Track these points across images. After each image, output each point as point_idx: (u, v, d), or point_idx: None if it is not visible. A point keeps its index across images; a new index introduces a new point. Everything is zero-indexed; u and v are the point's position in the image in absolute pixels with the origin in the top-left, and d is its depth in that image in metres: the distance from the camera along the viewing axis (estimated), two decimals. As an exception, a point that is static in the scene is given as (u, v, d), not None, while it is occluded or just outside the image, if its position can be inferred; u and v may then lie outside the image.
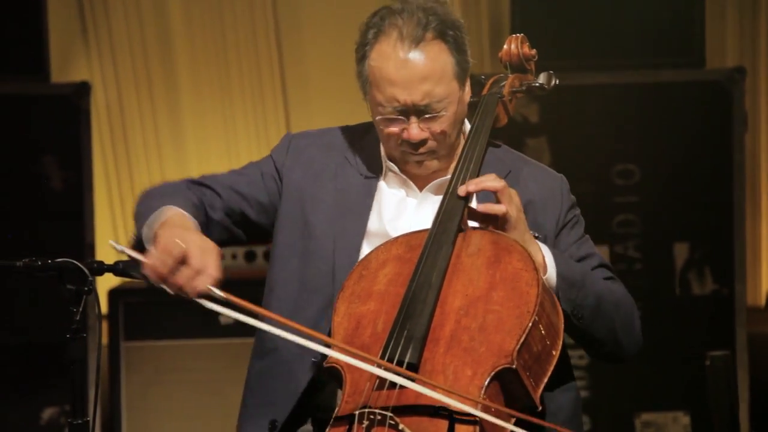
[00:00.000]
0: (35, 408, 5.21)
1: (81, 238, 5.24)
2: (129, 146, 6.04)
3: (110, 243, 2.49)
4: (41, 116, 5.26)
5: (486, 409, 2.39)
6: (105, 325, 5.21)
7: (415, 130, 2.68)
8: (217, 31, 6.06)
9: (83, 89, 5.27)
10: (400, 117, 2.68)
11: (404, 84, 2.65)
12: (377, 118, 2.71)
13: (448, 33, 2.69)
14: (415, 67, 2.65)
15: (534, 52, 2.90)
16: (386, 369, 2.42)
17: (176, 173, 6.09)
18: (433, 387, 2.39)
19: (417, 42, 2.66)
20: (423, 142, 2.71)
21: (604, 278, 2.79)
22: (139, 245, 2.62)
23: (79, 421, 2.58)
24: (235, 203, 2.80)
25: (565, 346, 2.61)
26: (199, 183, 2.81)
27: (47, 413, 5.23)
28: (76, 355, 2.61)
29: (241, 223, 2.82)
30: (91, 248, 5.25)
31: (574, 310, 2.64)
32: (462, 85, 2.73)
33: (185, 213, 2.64)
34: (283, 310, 2.69)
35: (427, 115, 2.68)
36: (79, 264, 2.71)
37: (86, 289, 2.69)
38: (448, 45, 2.69)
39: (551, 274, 2.63)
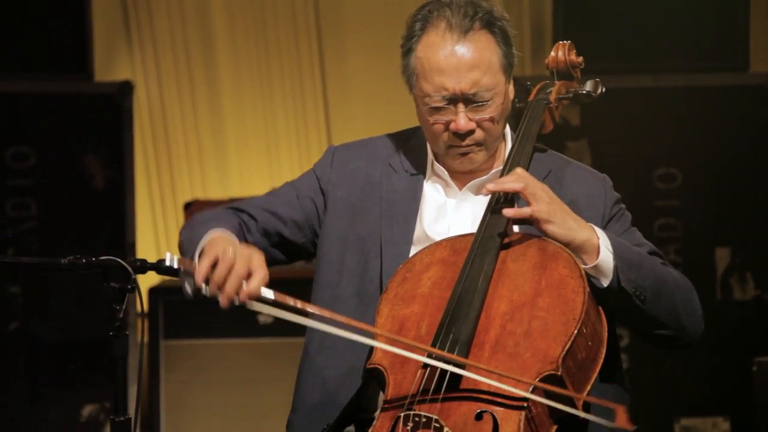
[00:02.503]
0: (75, 405, 5.25)
1: (122, 237, 5.27)
2: (170, 145, 6.07)
3: (166, 257, 2.53)
4: (84, 115, 5.30)
5: (538, 393, 2.39)
6: (145, 324, 5.23)
7: (462, 119, 2.70)
8: (259, 30, 6.07)
9: (126, 88, 5.31)
10: (448, 106, 2.70)
11: (453, 72, 2.68)
12: (424, 109, 2.73)
13: (495, 24, 2.72)
14: (464, 56, 2.68)
15: (581, 59, 2.90)
16: (437, 357, 2.42)
17: (216, 172, 6.12)
18: (485, 371, 2.39)
19: (466, 32, 2.69)
20: (470, 132, 2.72)
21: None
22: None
23: (122, 419, 2.59)
24: (270, 224, 2.85)
25: (617, 347, 2.60)
26: (235, 209, 2.87)
27: (87, 410, 5.26)
28: (119, 352, 2.62)
29: (278, 244, 2.86)
30: (132, 247, 5.28)
31: (636, 290, 2.61)
32: (508, 78, 2.76)
33: (229, 232, 2.69)
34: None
35: (474, 104, 2.70)
36: (122, 262, 2.72)
37: (129, 287, 2.71)
38: (495, 37, 2.72)
39: (607, 256, 2.60)
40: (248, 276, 2.48)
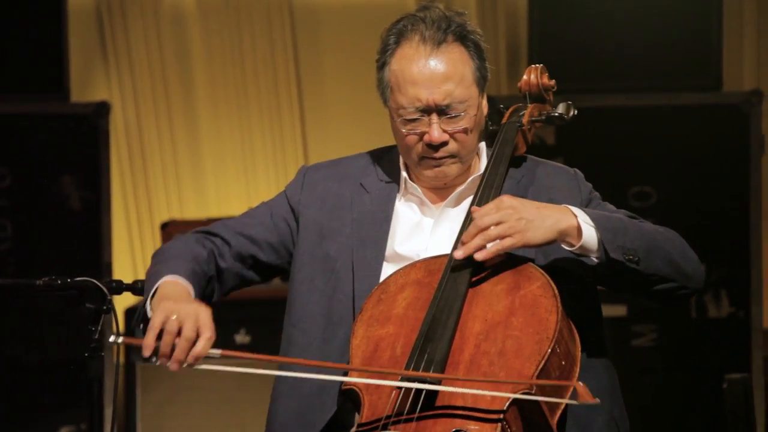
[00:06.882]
0: (52, 426, 5.22)
1: (98, 258, 5.26)
2: (147, 166, 6.06)
3: (110, 340, 2.45)
4: (60, 135, 5.29)
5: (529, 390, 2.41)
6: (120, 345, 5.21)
7: (436, 130, 2.71)
8: (236, 51, 6.08)
9: (102, 109, 5.30)
10: (421, 117, 2.72)
11: (426, 84, 2.70)
12: (398, 120, 2.75)
13: (468, 38, 2.75)
14: (437, 67, 2.70)
15: (553, 82, 2.93)
16: (411, 378, 2.43)
17: (193, 192, 6.12)
18: (463, 382, 2.41)
19: (439, 44, 2.72)
20: (443, 144, 2.74)
21: None
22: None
23: (97, 440, 2.59)
24: (244, 248, 2.84)
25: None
26: (208, 233, 2.85)
27: None
28: (94, 373, 2.62)
29: (253, 266, 2.86)
30: (108, 267, 5.27)
31: (626, 254, 2.60)
32: (481, 91, 2.78)
33: (178, 280, 2.66)
34: (310, 344, 2.74)
35: (447, 116, 2.71)
36: (98, 283, 2.73)
37: (105, 308, 2.71)
38: (468, 50, 2.75)
39: (590, 230, 2.59)
40: (196, 338, 2.44)
